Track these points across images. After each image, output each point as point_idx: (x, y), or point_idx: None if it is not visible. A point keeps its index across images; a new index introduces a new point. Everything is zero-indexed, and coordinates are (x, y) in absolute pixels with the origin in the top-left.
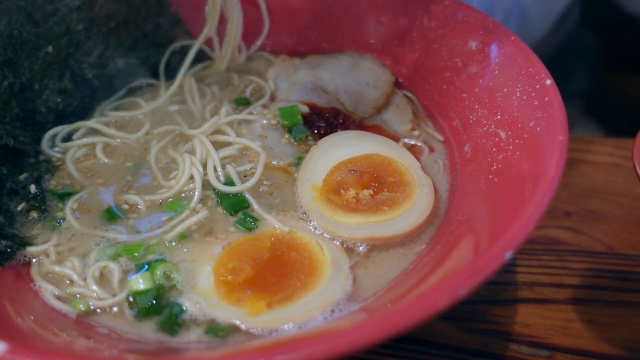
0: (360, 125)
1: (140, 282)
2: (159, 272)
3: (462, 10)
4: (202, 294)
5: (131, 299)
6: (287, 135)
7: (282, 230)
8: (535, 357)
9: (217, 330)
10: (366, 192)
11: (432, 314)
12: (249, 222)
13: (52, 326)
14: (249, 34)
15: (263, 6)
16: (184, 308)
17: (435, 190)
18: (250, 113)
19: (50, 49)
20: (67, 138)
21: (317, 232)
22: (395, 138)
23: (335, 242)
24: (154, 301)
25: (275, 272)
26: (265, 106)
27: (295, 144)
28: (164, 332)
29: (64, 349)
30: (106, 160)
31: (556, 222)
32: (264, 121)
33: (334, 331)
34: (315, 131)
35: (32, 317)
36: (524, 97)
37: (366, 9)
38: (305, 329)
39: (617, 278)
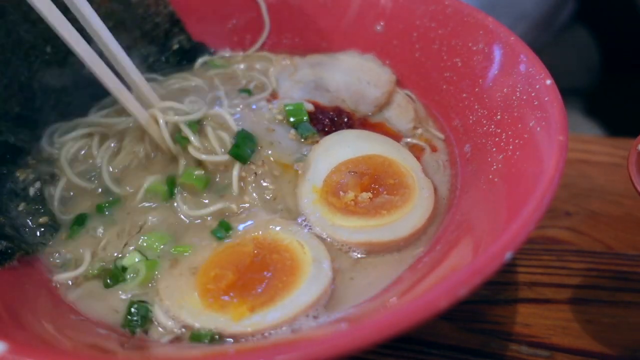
0: (363, 122)
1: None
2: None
3: (462, 10)
4: (187, 305)
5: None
6: (292, 131)
7: (263, 232)
8: (535, 357)
9: (202, 337)
10: (365, 195)
11: (432, 314)
12: (220, 230)
13: (52, 326)
14: (249, 34)
15: (263, 6)
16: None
17: (435, 190)
18: (256, 102)
19: (48, 48)
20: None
21: (306, 230)
22: (398, 136)
23: (314, 241)
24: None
25: (257, 276)
26: (269, 100)
27: (302, 140)
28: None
29: (64, 349)
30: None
31: (556, 222)
32: (271, 115)
33: (333, 331)
34: (320, 129)
35: (32, 317)
36: (524, 97)
37: (366, 9)
38: (304, 329)
39: (617, 278)
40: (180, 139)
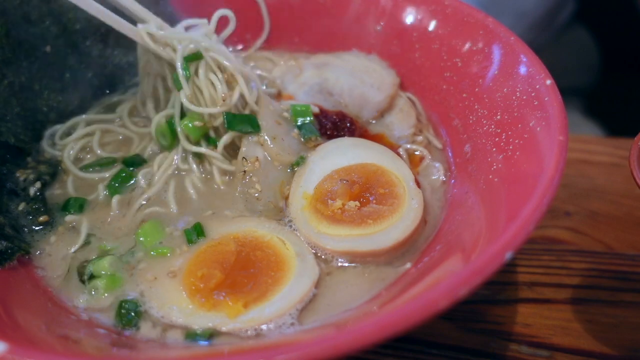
0: (363, 133)
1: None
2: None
3: (462, 10)
4: (176, 306)
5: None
6: (296, 131)
7: (242, 231)
8: (535, 357)
9: (198, 335)
10: (352, 204)
11: (432, 314)
12: (193, 233)
13: (52, 326)
14: (248, 34)
15: (263, 6)
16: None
17: (426, 203)
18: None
19: (48, 48)
20: (68, 135)
21: (286, 228)
22: (396, 146)
23: (294, 237)
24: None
25: (244, 273)
26: (278, 100)
27: (303, 140)
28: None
29: (64, 349)
30: (103, 154)
31: (556, 222)
32: (280, 110)
33: (334, 331)
34: (323, 132)
35: (32, 317)
36: (524, 97)
37: (366, 9)
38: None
39: (617, 278)
40: (176, 81)
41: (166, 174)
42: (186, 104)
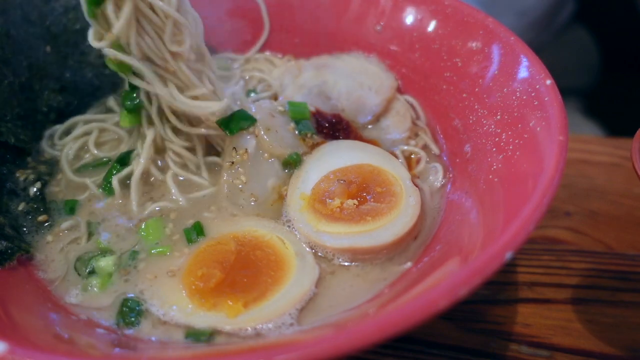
0: (358, 138)
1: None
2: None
3: (462, 10)
4: (176, 305)
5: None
6: (292, 125)
7: (241, 230)
8: (535, 357)
9: (199, 335)
10: (350, 202)
11: (432, 314)
12: (193, 232)
13: (52, 326)
14: (249, 34)
15: (263, 6)
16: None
17: (423, 202)
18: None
19: (48, 48)
20: (67, 135)
21: (286, 228)
22: (391, 153)
23: (292, 236)
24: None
25: (244, 273)
26: (274, 98)
27: (299, 135)
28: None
29: (64, 349)
30: (100, 154)
31: (556, 222)
32: (274, 106)
33: (334, 330)
34: (320, 131)
35: (32, 317)
36: (524, 97)
37: (366, 9)
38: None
39: (617, 278)
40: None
41: (149, 140)
42: (94, 44)
